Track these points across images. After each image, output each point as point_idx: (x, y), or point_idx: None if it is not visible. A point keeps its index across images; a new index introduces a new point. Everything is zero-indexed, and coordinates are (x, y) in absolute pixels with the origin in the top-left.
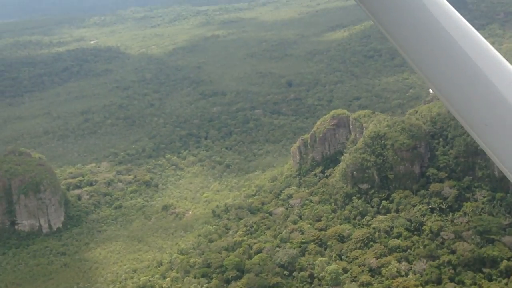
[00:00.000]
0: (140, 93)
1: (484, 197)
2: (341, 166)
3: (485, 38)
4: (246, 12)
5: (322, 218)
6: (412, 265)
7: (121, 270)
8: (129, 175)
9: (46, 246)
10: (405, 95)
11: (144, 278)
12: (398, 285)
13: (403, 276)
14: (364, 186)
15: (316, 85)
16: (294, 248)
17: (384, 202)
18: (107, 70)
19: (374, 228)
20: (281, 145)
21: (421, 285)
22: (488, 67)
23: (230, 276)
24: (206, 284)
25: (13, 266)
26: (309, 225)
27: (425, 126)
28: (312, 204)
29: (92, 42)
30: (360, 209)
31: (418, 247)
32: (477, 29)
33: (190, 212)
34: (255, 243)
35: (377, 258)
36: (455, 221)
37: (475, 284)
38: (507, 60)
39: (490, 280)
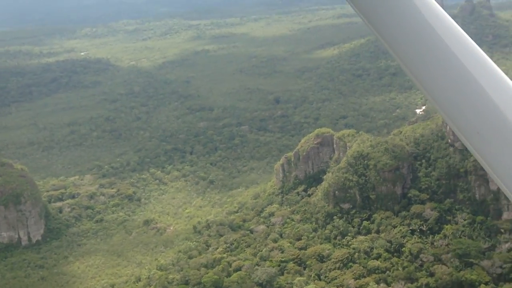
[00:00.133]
0: (127, 106)
1: (465, 220)
2: (323, 185)
3: None
4: (238, 27)
5: (302, 237)
6: (390, 287)
7: (99, 285)
8: (112, 188)
9: (24, 258)
10: (391, 115)
11: None
12: None
13: None
14: (346, 206)
15: (304, 102)
16: (273, 267)
17: (365, 223)
18: (96, 82)
19: (354, 249)
20: (266, 162)
21: None
22: (482, 74)
23: None
24: None
25: None
26: (289, 244)
27: (408, 147)
28: (293, 222)
29: (82, 53)
30: (341, 229)
31: (397, 269)
32: None
33: (172, 228)
34: (234, 261)
35: (355, 279)
36: (435, 243)
37: None
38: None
39: None
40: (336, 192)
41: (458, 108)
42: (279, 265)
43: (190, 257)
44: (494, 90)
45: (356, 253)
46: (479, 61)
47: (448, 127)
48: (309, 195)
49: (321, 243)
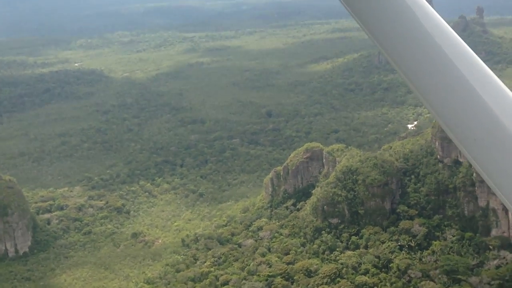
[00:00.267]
0: (119, 118)
1: (453, 236)
2: (312, 200)
3: None
4: (232, 40)
5: (290, 252)
6: None
7: None
8: (101, 200)
9: (10, 270)
10: (383, 130)
11: None
12: None
13: None
14: (334, 220)
15: (296, 116)
16: (261, 281)
17: (353, 238)
18: (89, 93)
19: (342, 264)
20: (256, 176)
21: None
22: (478, 81)
23: None
24: None
25: None
26: (277, 258)
27: (398, 162)
28: (281, 237)
29: (76, 64)
30: (329, 243)
31: (385, 285)
32: None
33: (160, 241)
34: (222, 275)
35: None
36: (423, 259)
37: None
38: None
39: None
40: (325, 206)
41: (455, 115)
42: (266, 280)
43: (177, 271)
44: (491, 96)
45: (344, 268)
46: (476, 67)
47: (437, 142)
48: (298, 210)
49: (309, 258)
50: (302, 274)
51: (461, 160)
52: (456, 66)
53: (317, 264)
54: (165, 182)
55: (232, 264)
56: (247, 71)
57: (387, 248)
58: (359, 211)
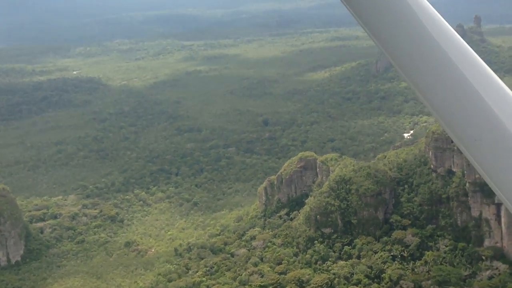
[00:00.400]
0: (116, 126)
1: (446, 246)
2: (305, 209)
3: None
4: (231, 48)
5: (283, 262)
6: None
7: None
8: (95, 209)
9: (2, 280)
10: (379, 139)
11: None
12: None
13: None
14: (327, 230)
15: (292, 125)
16: None
17: (346, 248)
18: (86, 101)
19: (334, 274)
20: (251, 185)
21: None
22: (480, 82)
23: None
24: None
25: None
26: (269, 268)
27: (391, 172)
28: (274, 246)
29: (75, 72)
30: (322, 253)
31: None
32: None
33: (153, 250)
34: (213, 285)
35: None
36: (415, 269)
37: None
38: None
39: None
40: (318, 216)
41: (456, 115)
42: None
43: (169, 280)
44: (492, 96)
45: (336, 279)
46: (477, 67)
47: (430, 152)
48: (291, 219)
49: (301, 268)
50: (294, 284)
51: (454, 170)
52: (456, 65)
53: (309, 274)
54: (159, 191)
55: (224, 274)
56: (245, 80)
57: (379, 258)
58: (352, 220)
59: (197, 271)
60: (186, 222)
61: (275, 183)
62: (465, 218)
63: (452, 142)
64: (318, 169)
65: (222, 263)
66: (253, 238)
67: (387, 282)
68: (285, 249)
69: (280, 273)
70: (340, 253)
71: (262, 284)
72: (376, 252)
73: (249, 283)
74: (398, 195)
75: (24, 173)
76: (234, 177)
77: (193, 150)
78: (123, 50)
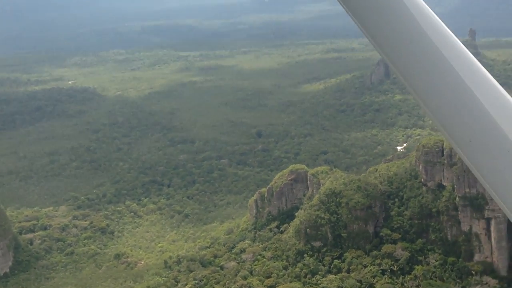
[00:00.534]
0: (109, 137)
1: (436, 260)
2: (295, 222)
3: None
4: (227, 59)
5: (272, 275)
6: None
7: None
8: (86, 220)
9: None
10: (372, 152)
11: None
12: None
13: None
14: (317, 243)
15: (286, 137)
16: None
17: (336, 261)
18: (81, 111)
19: None
20: (243, 197)
21: None
22: (474, 82)
23: None
24: None
25: None
26: (258, 282)
27: (382, 185)
28: (264, 259)
29: (70, 82)
30: (311, 267)
31: None
32: None
33: (143, 262)
34: None
35: None
36: (405, 284)
37: None
38: None
39: None
40: (308, 229)
41: (450, 115)
42: None
43: None
44: (487, 97)
45: None
46: (472, 68)
47: (421, 166)
48: (281, 232)
49: (290, 281)
50: None
51: (444, 183)
52: (452, 66)
53: None
54: (151, 203)
55: (213, 287)
56: (240, 91)
57: (369, 272)
58: (342, 234)
59: (186, 284)
60: (177, 234)
61: (265, 195)
62: (455, 233)
63: (442, 155)
64: (308, 182)
65: (212, 276)
66: (243, 251)
67: None
68: (274, 262)
69: (269, 287)
70: (329, 267)
71: None
72: (365, 266)
73: None
74: (388, 209)
75: (15, 184)
76: (226, 189)
77: (186, 162)
78: (119, 60)
